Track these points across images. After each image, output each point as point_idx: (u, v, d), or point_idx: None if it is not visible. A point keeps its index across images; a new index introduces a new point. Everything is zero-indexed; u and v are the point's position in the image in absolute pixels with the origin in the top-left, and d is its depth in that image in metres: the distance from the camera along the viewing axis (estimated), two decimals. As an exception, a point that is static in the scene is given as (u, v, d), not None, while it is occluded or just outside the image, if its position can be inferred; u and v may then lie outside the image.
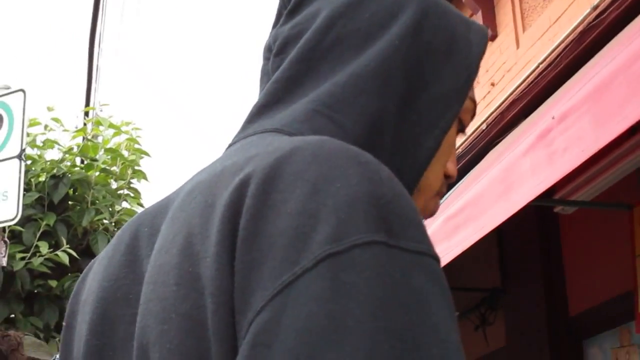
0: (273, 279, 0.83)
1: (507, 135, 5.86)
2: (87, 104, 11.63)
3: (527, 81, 6.14)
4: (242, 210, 0.89)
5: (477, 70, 1.22)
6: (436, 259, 0.88)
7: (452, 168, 1.25)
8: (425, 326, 0.82)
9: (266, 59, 1.26)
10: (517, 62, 6.73)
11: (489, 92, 7.17)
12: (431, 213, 1.26)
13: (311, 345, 0.79)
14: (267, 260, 0.85)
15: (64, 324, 1.20)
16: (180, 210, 1.01)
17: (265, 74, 1.25)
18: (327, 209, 0.85)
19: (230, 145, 1.16)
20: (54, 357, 3.36)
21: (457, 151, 6.99)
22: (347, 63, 1.15)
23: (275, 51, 1.23)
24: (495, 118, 6.54)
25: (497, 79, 7.05)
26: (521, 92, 6.15)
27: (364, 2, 1.19)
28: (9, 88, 4.97)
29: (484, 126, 6.75)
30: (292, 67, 1.17)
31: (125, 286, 1.07)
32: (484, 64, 7.33)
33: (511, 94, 6.38)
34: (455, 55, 1.21)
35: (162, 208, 1.10)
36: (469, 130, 7.08)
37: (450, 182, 1.27)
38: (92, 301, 1.11)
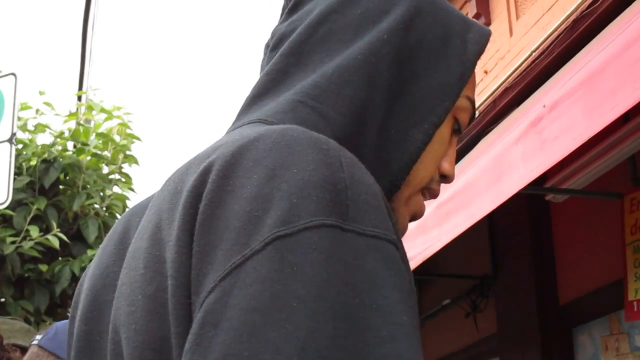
0: (224, 261, 0.87)
1: (499, 123, 5.86)
2: (80, 87, 11.61)
3: (520, 69, 6.14)
4: (202, 195, 0.92)
5: (472, 67, 1.24)
6: (393, 243, 0.90)
7: (447, 167, 1.26)
8: (376, 308, 0.84)
9: (265, 54, 1.29)
10: (510, 50, 6.72)
11: (481, 79, 7.17)
12: (417, 212, 1.26)
13: (254, 324, 0.81)
14: (220, 243, 0.88)
15: (68, 315, 1.23)
16: (156, 198, 1.05)
17: (262, 69, 1.28)
18: (280, 193, 0.88)
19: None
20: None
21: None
22: (335, 55, 1.17)
23: (271, 46, 1.26)
24: (488, 106, 6.53)
25: (490, 67, 7.05)
26: (514, 80, 6.14)
27: None
28: None
29: (476, 114, 6.73)
30: (282, 60, 1.20)
31: (113, 273, 1.10)
32: (477, 51, 7.31)
33: (504, 81, 6.38)
34: (449, 51, 1.22)
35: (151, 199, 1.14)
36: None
37: (447, 182, 1.28)
38: (85, 289, 1.15)
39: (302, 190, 0.88)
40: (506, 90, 6.23)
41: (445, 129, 1.23)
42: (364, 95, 1.14)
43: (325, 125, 1.10)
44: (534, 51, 5.97)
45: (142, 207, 1.15)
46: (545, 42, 5.80)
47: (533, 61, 5.88)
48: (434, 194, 1.27)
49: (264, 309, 0.82)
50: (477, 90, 7.17)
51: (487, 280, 7.11)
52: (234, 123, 1.20)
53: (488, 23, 7.17)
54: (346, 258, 0.85)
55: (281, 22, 1.28)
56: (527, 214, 6.47)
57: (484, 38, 1.27)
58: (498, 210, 4.34)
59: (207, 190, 0.92)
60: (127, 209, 1.25)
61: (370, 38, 1.17)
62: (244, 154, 0.93)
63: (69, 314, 1.24)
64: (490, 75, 7.00)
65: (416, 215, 1.26)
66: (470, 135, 6.54)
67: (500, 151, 4.25)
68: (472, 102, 1.28)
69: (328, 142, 0.94)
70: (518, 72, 6.13)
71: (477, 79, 7.22)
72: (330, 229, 0.86)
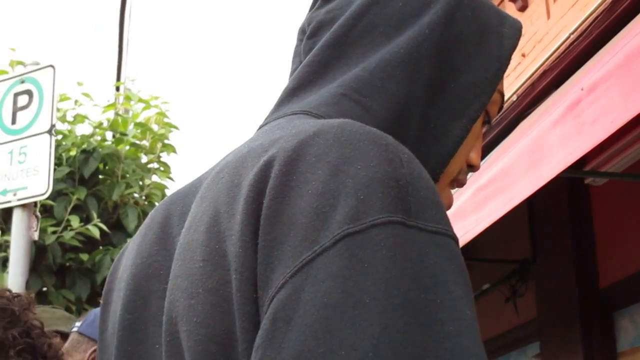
0: (294, 257, 0.87)
1: (537, 106, 5.82)
2: (118, 77, 11.68)
3: (558, 52, 6.09)
4: (265, 190, 0.93)
5: (507, 63, 1.25)
6: (454, 238, 0.91)
7: (475, 158, 1.28)
8: (441, 303, 0.85)
9: (299, 40, 1.30)
10: (548, 33, 6.67)
11: (519, 63, 7.12)
12: (446, 203, 1.26)
13: (329, 321, 0.82)
14: (288, 239, 0.89)
15: (101, 301, 1.26)
16: (208, 189, 1.05)
17: (297, 55, 1.28)
18: (346, 190, 0.89)
19: (261, 127, 1.19)
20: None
21: (488, 122, 6.98)
22: (377, 49, 1.18)
23: (308, 34, 1.26)
24: (526, 89, 6.49)
25: (527, 50, 7.00)
26: (552, 62, 6.10)
27: None
28: (38, 64, 4.99)
29: (514, 97, 6.71)
30: (323, 51, 1.20)
31: (157, 262, 1.11)
32: (515, 34, 7.26)
33: (542, 64, 6.33)
34: (486, 46, 1.23)
35: (193, 187, 1.14)
36: (499, 101, 7.02)
37: (473, 171, 1.30)
38: (126, 278, 1.15)
39: (368, 186, 0.88)
40: (544, 73, 6.18)
41: (477, 123, 1.24)
42: (406, 89, 1.15)
43: (369, 119, 1.11)
44: (572, 33, 5.92)
45: (182, 195, 1.15)
46: (584, 24, 5.75)
47: (571, 43, 5.83)
48: (461, 184, 1.29)
49: (337, 306, 0.83)
50: (516, 73, 7.13)
51: (527, 264, 7.07)
52: (273, 113, 1.20)
53: (525, 5, 7.12)
54: (411, 254, 0.86)
55: (317, 8, 1.28)
56: (566, 197, 6.43)
57: (518, 32, 1.28)
58: (537, 194, 4.32)
59: (271, 185, 0.93)
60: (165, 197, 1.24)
61: (412, 32, 1.18)
62: (306, 149, 0.94)
63: None
64: (528, 58, 6.95)
65: (446, 206, 1.26)
66: (509, 119, 6.50)
67: (538, 135, 4.22)
68: (502, 94, 1.30)
69: (386, 138, 0.95)
70: (556, 54, 6.09)
71: (515, 63, 7.18)
72: (396, 225, 0.87)
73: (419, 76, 1.16)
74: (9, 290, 1.90)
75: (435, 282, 0.85)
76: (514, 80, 7.05)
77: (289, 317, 0.84)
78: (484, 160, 5.63)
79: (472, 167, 1.29)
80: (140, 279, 1.12)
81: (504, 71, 1.25)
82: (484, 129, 1.31)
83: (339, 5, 1.24)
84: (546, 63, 6.23)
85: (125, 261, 1.20)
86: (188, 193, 1.14)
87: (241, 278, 0.91)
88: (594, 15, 5.59)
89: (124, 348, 1.11)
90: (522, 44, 7.08)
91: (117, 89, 8.40)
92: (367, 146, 0.92)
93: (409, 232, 0.87)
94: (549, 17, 6.75)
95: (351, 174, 0.89)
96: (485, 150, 6.40)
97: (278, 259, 0.88)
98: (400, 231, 0.86)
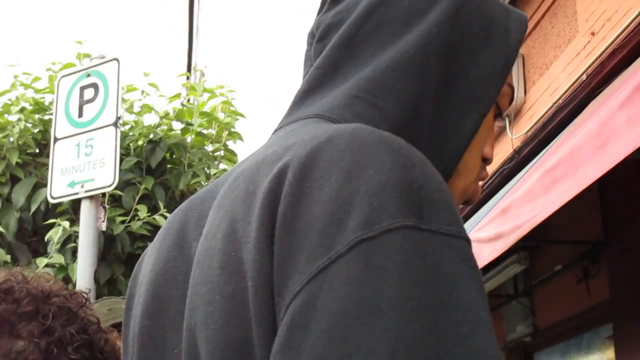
0: (309, 264, 0.88)
1: (607, 86, 5.73)
2: (189, 65, 11.79)
3: (627, 30, 5.99)
4: (280, 197, 0.94)
5: (515, 56, 1.25)
6: (467, 240, 0.92)
7: (489, 151, 1.29)
8: (455, 305, 0.85)
9: (309, 44, 1.30)
10: (618, 11, 6.55)
11: (589, 41, 7.01)
12: (472, 197, 1.29)
13: (345, 327, 0.83)
14: (303, 245, 0.89)
15: (124, 306, 1.25)
16: (225, 197, 1.06)
17: (308, 59, 1.29)
18: (360, 195, 0.89)
19: (275, 131, 1.21)
20: None
21: (558, 102, 6.89)
22: (386, 49, 1.18)
23: (317, 37, 1.27)
24: (596, 68, 6.40)
25: (597, 28, 6.89)
26: (622, 41, 6.00)
27: None
28: (103, 57, 5.03)
29: (584, 77, 6.62)
30: (333, 52, 1.21)
31: (174, 268, 1.12)
32: (584, 13, 7.16)
33: (612, 43, 6.24)
34: (493, 41, 1.23)
35: (209, 193, 1.15)
36: (570, 81, 6.95)
37: (487, 164, 1.30)
38: (146, 283, 1.17)
39: (381, 191, 0.89)
40: (614, 52, 6.09)
41: (488, 117, 1.25)
42: (416, 88, 1.15)
43: (382, 120, 1.12)
44: (642, 10, 5.82)
45: (199, 201, 1.16)
46: (654, 0, 5.65)
47: (641, 21, 5.73)
48: (483, 178, 1.30)
49: (354, 312, 0.83)
50: (585, 52, 7.02)
51: (599, 245, 7.00)
52: (287, 116, 1.21)
53: (593, -17, 7.00)
54: (426, 258, 0.86)
55: (325, 12, 1.28)
56: (638, 178, 6.33)
57: (523, 26, 1.27)
58: (608, 175, 4.26)
59: (285, 193, 0.93)
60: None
61: (420, 31, 1.18)
62: (319, 155, 0.94)
63: None
64: (598, 37, 6.84)
65: (471, 200, 1.29)
66: (579, 98, 6.42)
67: (606, 117, 4.16)
68: (512, 87, 1.30)
69: (398, 141, 0.95)
70: (626, 33, 5.99)
71: (584, 42, 7.07)
72: (410, 229, 0.87)
73: (428, 74, 1.16)
74: (67, 288, 1.92)
75: (450, 284, 0.86)
76: (584, 59, 6.95)
77: (305, 323, 0.85)
78: (552, 142, 5.56)
79: (486, 161, 1.29)
80: (158, 284, 1.13)
81: (511, 65, 1.24)
82: (496, 122, 1.30)
83: (346, 8, 1.24)
84: (616, 41, 6.13)
85: (145, 267, 1.21)
86: (204, 199, 1.15)
87: (257, 285, 0.92)
88: (664, -9, 5.49)
89: (144, 353, 1.13)
90: (592, 23, 6.98)
91: (188, 78, 8.44)
92: (380, 151, 0.92)
93: (422, 236, 0.87)
94: (618, -6, 6.63)
95: (364, 179, 0.90)
96: (554, 132, 6.33)
97: (294, 265, 0.89)
98: (414, 235, 0.87)
